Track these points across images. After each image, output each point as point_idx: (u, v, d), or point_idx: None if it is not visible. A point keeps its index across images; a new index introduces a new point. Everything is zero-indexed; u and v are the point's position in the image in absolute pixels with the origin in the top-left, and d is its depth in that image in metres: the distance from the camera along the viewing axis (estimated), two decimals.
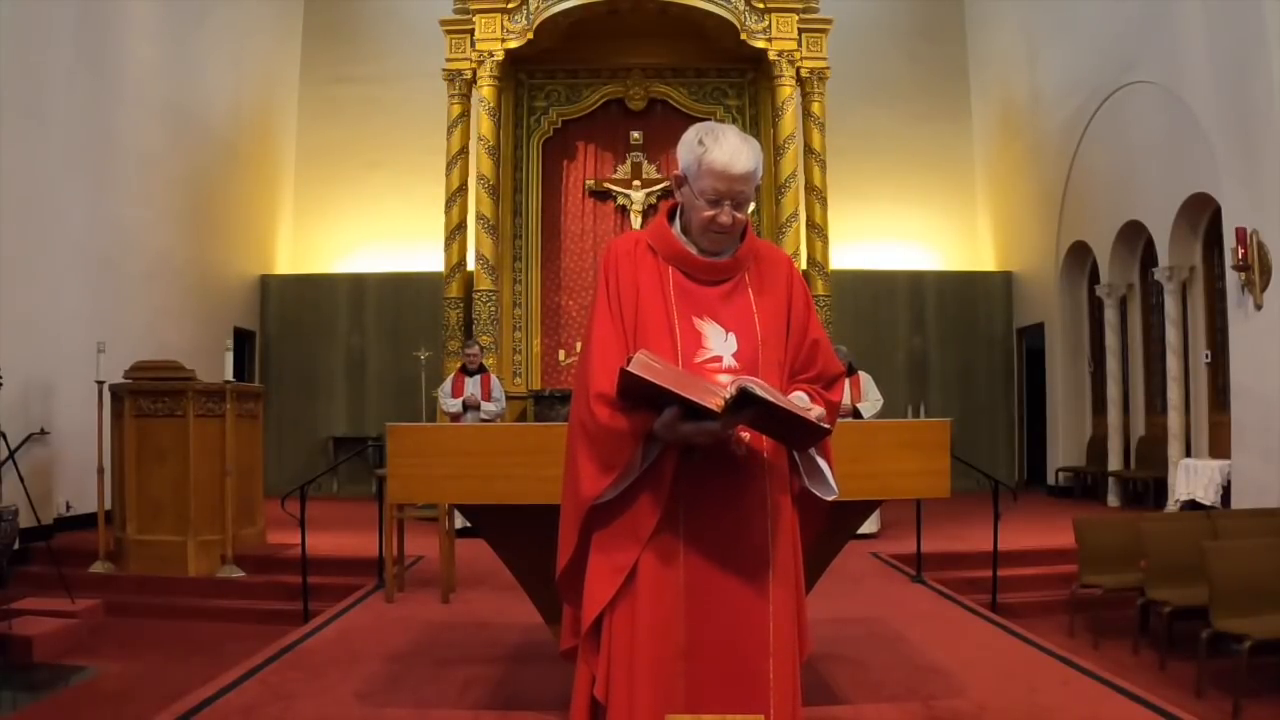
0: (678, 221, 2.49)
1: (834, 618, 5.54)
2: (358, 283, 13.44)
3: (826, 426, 2.33)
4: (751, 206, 2.57)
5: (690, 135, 2.39)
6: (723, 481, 2.33)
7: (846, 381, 8.55)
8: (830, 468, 2.45)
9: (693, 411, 2.20)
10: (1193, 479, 8.81)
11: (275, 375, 13.11)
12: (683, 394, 2.17)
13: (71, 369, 8.33)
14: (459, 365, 9.19)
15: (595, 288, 2.49)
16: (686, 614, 2.30)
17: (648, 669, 2.27)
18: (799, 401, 2.34)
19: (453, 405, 8.77)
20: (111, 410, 7.74)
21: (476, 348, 9.07)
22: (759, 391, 2.16)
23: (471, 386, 8.81)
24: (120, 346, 8.25)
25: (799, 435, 2.35)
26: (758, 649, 2.31)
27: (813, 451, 2.42)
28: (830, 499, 2.45)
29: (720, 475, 2.32)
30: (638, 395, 2.24)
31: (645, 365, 2.19)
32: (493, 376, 9.02)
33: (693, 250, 2.44)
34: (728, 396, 2.16)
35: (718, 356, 2.38)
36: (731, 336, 2.40)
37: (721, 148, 2.32)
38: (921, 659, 4.83)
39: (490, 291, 10.42)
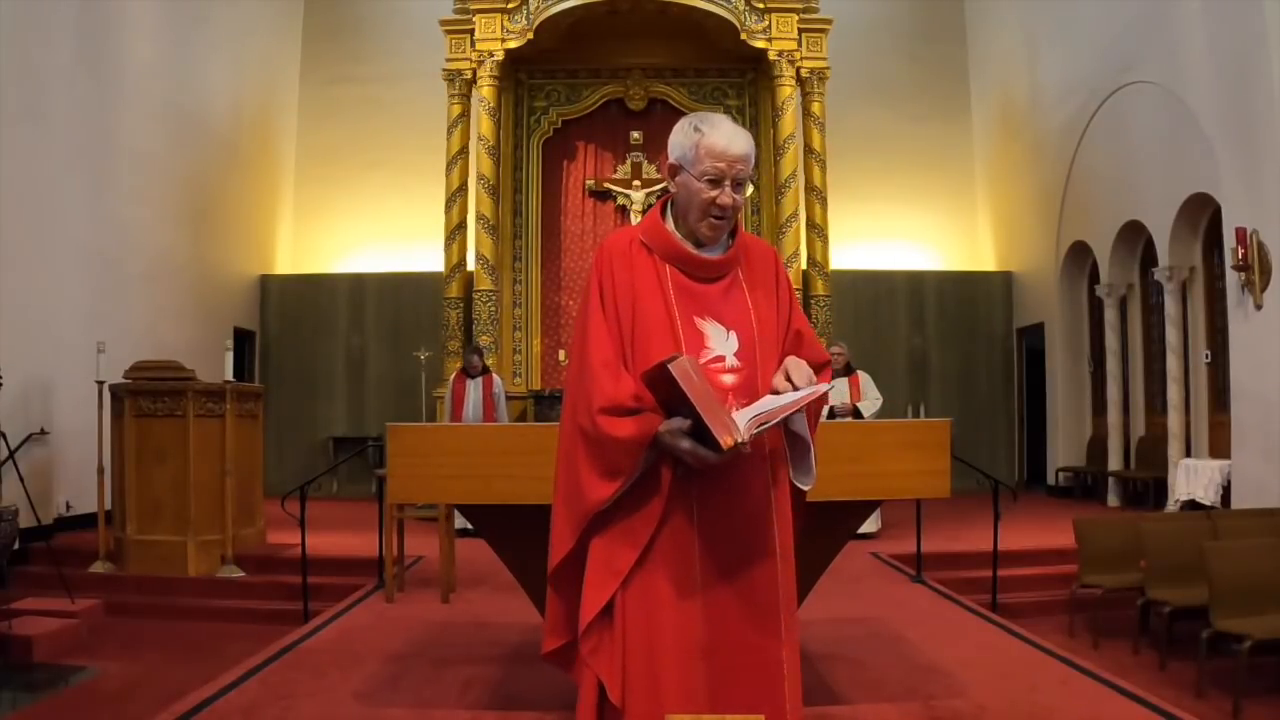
0: (670, 218, 2.46)
1: (834, 618, 5.55)
2: (358, 283, 13.44)
3: (827, 386, 2.34)
4: (750, 189, 2.59)
5: (684, 124, 2.39)
6: (733, 476, 2.31)
7: (845, 381, 8.62)
8: (815, 456, 2.44)
9: (698, 432, 2.19)
10: (1193, 479, 8.81)
11: (275, 375, 13.10)
12: (704, 417, 2.15)
13: (71, 369, 8.33)
14: (459, 366, 9.16)
15: (587, 288, 2.42)
16: (704, 610, 2.28)
17: (672, 668, 2.24)
18: (795, 372, 2.31)
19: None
20: (111, 410, 7.74)
21: (476, 358, 8.95)
22: (769, 426, 2.19)
23: (473, 390, 8.76)
24: (120, 346, 8.25)
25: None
26: (772, 641, 2.32)
27: (807, 438, 2.41)
28: (807, 488, 2.44)
29: (731, 470, 2.30)
30: (660, 390, 2.23)
31: (685, 373, 2.16)
32: (495, 378, 8.99)
33: (689, 246, 2.41)
34: (739, 440, 2.14)
35: (720, 356, 2.36)
36: (732, 335, 2.39)
37: (719, 131, 2.34)
38: (921, 659, 4.83)
39: (490, 291, 10.42)
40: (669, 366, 2.15)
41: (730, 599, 2.30)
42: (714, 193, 2.34)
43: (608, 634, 2.30)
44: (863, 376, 8.77)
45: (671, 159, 2.40)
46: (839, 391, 8.57)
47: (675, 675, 2.24)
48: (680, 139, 2.38)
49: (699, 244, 2.42)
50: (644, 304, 2.35)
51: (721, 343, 2.37)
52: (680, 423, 2.22)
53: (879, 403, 8.69)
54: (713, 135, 2.33)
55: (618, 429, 2.25)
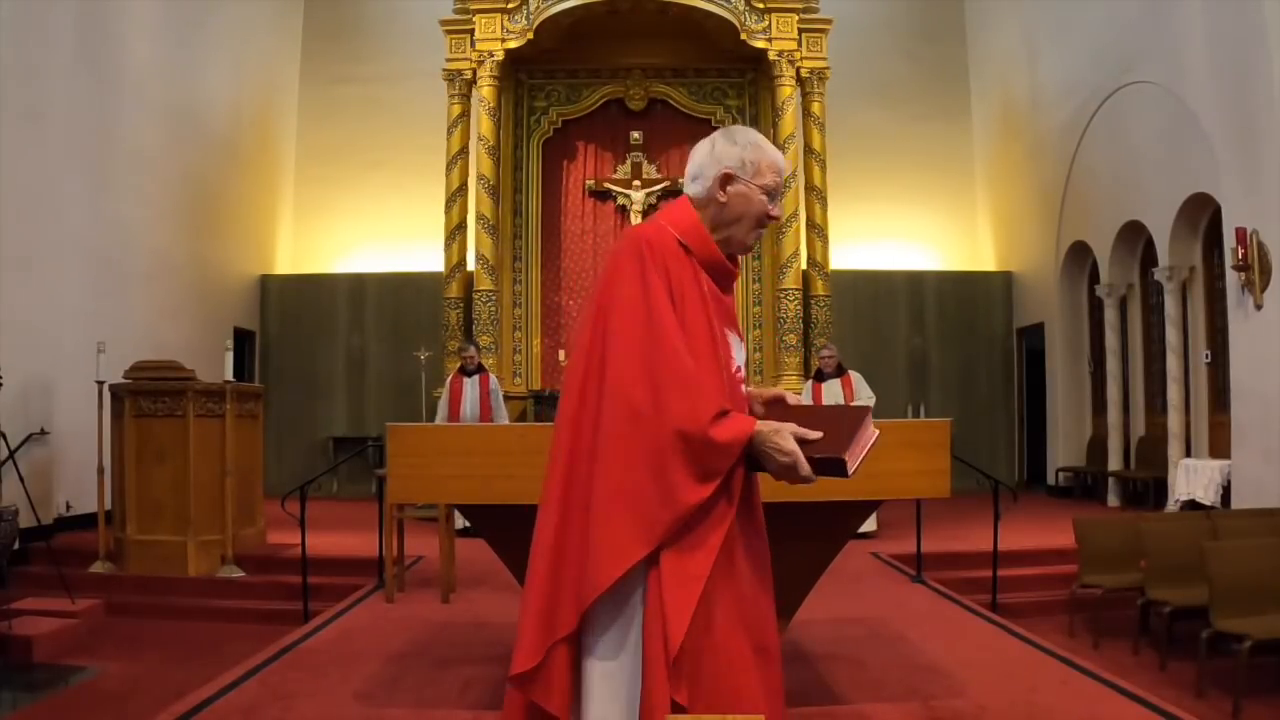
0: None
1: (834, 618, 5.55)
2: (358, 283, 13.44)
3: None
4: None
5: (735, 135, 2.35)
6: (752, 479, 2.33)
7: (838, 381, 8.65)
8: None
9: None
10: (1193, 479, 8.81)
11: (275, 375, 13.11)
12: (856, 442, 2.15)
13: (71, 369, 8.33)
14: (458, 365, 9.16)
15: (638, 277, 2.24)
16: (756, 609, 2.27)
17: (754, 671, 2.20)
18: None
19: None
20: (111, 410, 7.74)
21: (473, 349, 9.00)
22: (865, 457, 2.21)
23: (470, 388, 8.77)
24: (120, 346, 8.25)
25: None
26: (776, 637, 2.35)
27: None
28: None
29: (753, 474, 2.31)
30: (777, 411, 2.27)
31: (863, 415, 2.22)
32: (491, 377, 8.98)
33: (723, 256, 2.37)
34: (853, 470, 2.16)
35: (739, 367, 2.36)
36: (741, 345, 2.39)
37: (772, 146, 2.38)
38: (921, 659, 4.83)
39: (490, 291, 10.42)
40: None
41: (766, 598, 2.32)
42: (774, 207, 2.35)
43: (704, 639, 2.18)
44: (855, 376, 8.80)
45: (725, 169, 2.32)
46: (833, 392, 8.60)
47: (758, 677, 2.21)
48: (737, 150, 2.33)
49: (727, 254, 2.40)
50: (690, 310, 2.28)
51: (739, 353, 2.39)
52: (810, 433, 2.16)
53: (872, 401, 8.70)
54: (771, 149, 2.34)
55: (722, 432, 2.16)
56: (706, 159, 2.33)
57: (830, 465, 2.12)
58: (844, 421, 2.20)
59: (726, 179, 2.32)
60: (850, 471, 2.13)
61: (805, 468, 2.13)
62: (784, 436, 2.13)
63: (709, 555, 2.18)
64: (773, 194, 2.33)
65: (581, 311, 2.42)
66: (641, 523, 2.17)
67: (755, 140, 2.34)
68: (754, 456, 2.18)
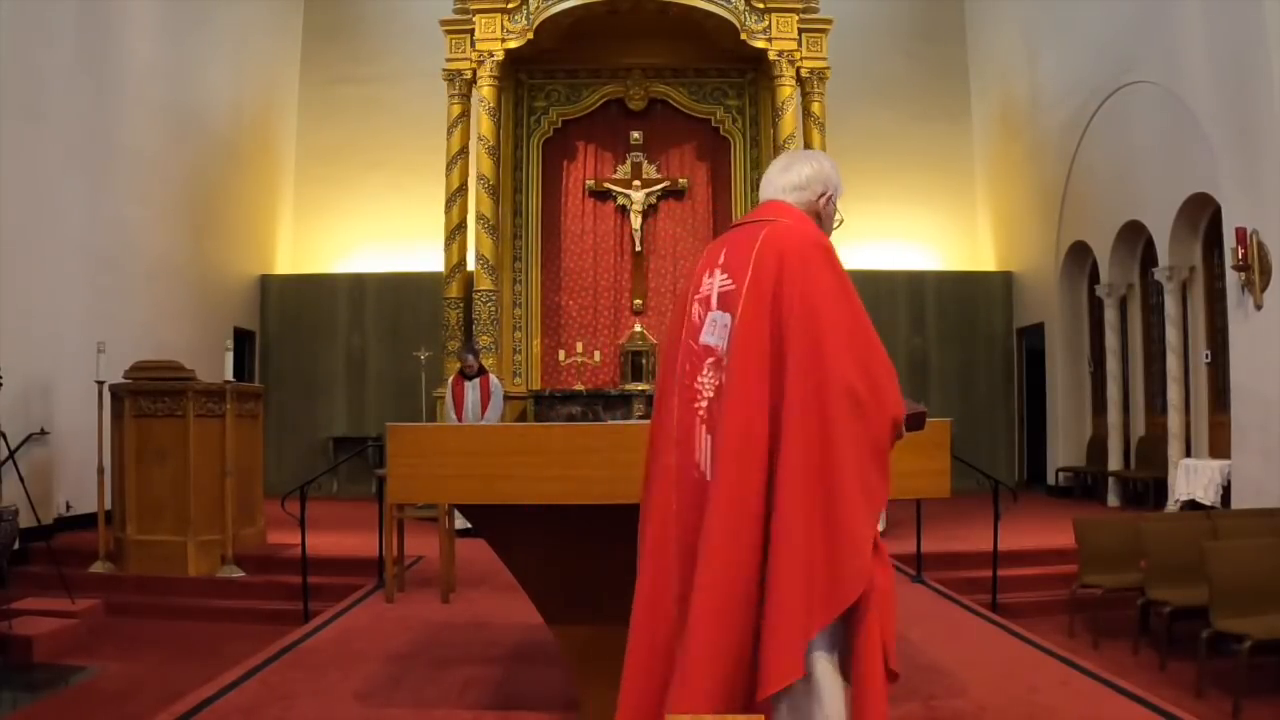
0: None
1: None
2: (358, 283, 13.44)
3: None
4: None
5: (828, 160, 2.65)
6: None
7: None
8: None
9: None
10: (1193, 479, 8.81)
11: (275, 375, 13.10)
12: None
13: (71, 369, 8.33)
14: (457, 368, 9.13)
15: (833, 276, 2.41)
16: None
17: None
18: None
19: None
20: (111, 410, 7.74)
21: (470, 358, 8.85)
22: None
23: (470, 391, 8.74)
24: (120, 346, 8.25)
25: None
26: None
27: None
28: None
29: None
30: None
31: None
32: (491, 378, 8.93)
33: None
34: None
35: None
36: None
37: None
38: (921, 659, 4.83)
39: (490, 291, 10.42)
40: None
41: None
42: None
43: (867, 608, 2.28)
44: None
45: (828, 188, 2.61)
46: None
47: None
48: (835, 176, 2.64)
49: None
50: None
51: None
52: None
53: None
54: None
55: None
56: (814, 176, 2.59)
57: (917, 419, 2.51)
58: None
59: (828, 196, 2.60)
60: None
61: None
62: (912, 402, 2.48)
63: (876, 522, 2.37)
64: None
65: (721, 303, 2.43)
66: (872, 516, 2.27)
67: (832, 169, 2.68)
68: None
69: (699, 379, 2.39)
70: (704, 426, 2.35)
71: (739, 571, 2.22)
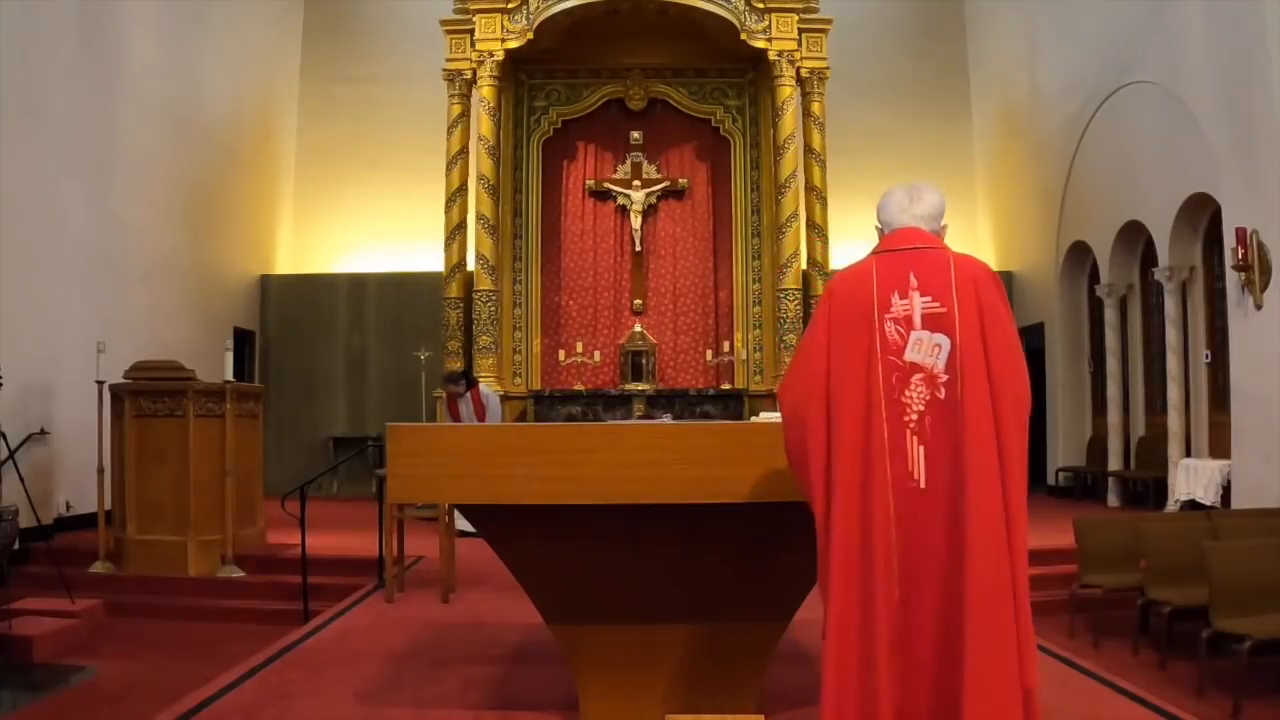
0: None
1: None
2: (358, 283, 13.44)
3: None
4: None
5: (938, 189, 2.84)
6: None
7: None
8: None
9: None
10: (1193, 479, 8.81)
11: (275, 375, 13.11)
12: None
13: (71, 369, 8.33)
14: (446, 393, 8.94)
15: (1005, 300, 2.70)
16: None
17: None
18: None
19: None
20: (111, 410, 7.74)
21: (453, 385, 8.62)
22: None
23: (464, 405, 8.64)
24: (120, 346, 8.25)
25: None
26: None
27: None
28: None
29: None
30: None
31: None
32: (481, 387, 8.70)
33: None
34: None
35: None
36: None
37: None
38: None
39: (490, 291, 10.43)
40: None
41: None
42: None
43: None
44: None
45: (944, 218, 2.84)
46: None
47: None
48: (945, 205, 2.86)
49: None
50: None
51: None
52: None
53: None
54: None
55: None
56: (940, 206, 2.81)
57: None
58: None
59: (945, 226, 2.83)
60: None
61: None
62: None
63: None
64: None
65: (941, 323, 2.65)
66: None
67: None
68: None
69: (906, 393, 2.56)
70: (915, 439, 2.53)
71: (1000, 573, 2.45)
